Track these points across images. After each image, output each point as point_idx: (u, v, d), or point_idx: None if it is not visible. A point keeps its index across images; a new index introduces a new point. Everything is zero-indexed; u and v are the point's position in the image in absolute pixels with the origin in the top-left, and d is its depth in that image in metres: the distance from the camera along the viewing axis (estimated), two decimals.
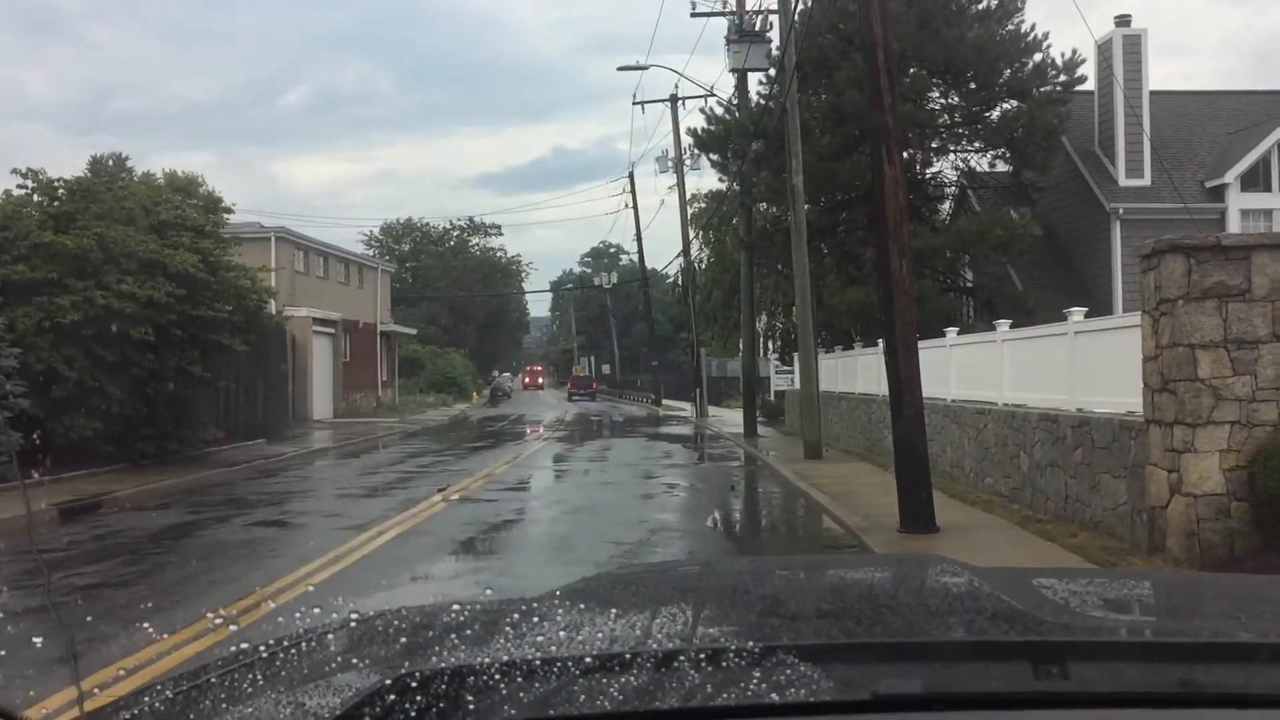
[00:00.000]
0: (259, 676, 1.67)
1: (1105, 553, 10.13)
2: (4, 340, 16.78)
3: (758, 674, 1.37)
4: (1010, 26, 24.28)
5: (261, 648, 1.84)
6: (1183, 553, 9.25)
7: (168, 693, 1.63)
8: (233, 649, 1.82)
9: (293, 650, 1.83)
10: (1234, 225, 24.40)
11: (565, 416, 47.12)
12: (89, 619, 8.06)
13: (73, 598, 9.06)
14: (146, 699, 1.61)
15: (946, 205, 29.26)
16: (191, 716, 1.51)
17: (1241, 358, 9.19)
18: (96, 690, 5.40)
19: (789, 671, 1.38)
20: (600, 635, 1.66)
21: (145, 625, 7.79)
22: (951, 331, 17.96)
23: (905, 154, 20.66)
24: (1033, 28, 24.37)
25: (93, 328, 18.24)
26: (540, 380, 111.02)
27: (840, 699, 1.36)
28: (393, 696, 1.36)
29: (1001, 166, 26.47)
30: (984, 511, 13.35)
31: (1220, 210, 25.05)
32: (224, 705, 1.53)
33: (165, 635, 7.28)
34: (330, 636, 1.95)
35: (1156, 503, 9.71)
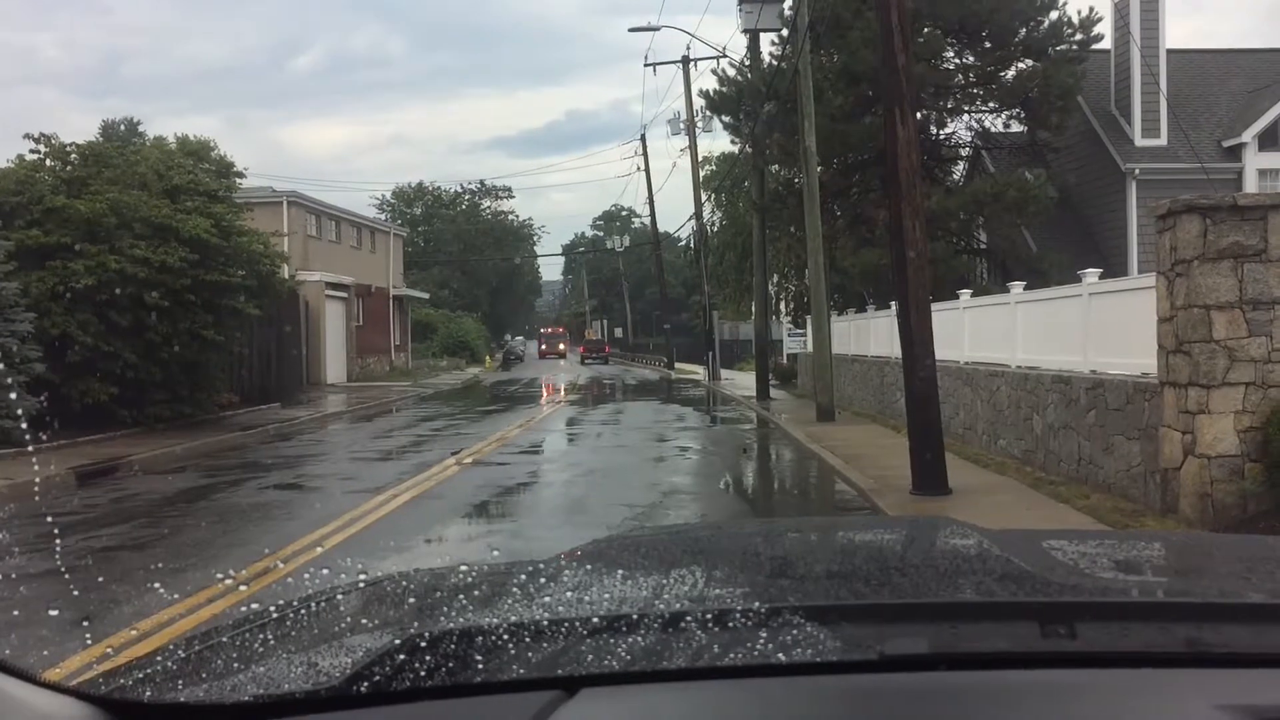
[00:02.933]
0: (270, 637, 1.68)
1: (1118, 514, 10.13)
2: (18, 305, 16.85)
3: (764, 634, 1.38)
4: None
5: (273, 609, 1.85)
6: (1196, 514, 9.24)
7: (181, 652, 1.65)
8: (244, 610, 1.84)
9: (304, 611, 1.84)
10: (1251, 185, 24.16)
11: (578, 380, 47.20)
12: (104, 581, 8.14)
13: (89, 560, 9.14)
14: (160, 658, 1.62)
15: (960, 166, 29.05)
16: (204, 675, 1.52)
17: (1257, 319, 9.13)
18: (111, 651, 5.46)
19: (795, 632, 1.38)
20: (608, 596, 1.67)
21: (160, 587, 7.87)
22: (965, 293, 17.89)
23: (919, 115, 20.46)
24: None
25: (106, 292, 18.31)
26: (561, 346, 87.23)
27: (847, 659, 1.37)
28: (403, 656, 1.37)
29: (1016, 127, 26.19)
30: (997, 474, 13.35)
31: (1237, 170, 24.81)
32: (236, 665, 1.55)
33: (179, 597, 7.35)
34: (341, 598, 1.97)
35: (1170, 464, 9.69)
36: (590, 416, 26.47)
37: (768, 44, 28.70)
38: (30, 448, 15.51)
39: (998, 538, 2.11)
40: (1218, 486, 9.13)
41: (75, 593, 7.74)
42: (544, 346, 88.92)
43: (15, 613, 6.43)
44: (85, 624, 6.53)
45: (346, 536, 10.11)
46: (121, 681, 1.50)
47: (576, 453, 18.52)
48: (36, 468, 14.12)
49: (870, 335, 23.88)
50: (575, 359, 79.99)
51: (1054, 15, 23.94)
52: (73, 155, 20.72)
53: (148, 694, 1.44)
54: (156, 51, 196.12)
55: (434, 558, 9.28)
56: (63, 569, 8.62)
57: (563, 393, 37.40)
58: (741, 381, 36.74)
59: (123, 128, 54.26)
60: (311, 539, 9.91)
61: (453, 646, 1.39)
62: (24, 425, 15.64)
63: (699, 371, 45.32)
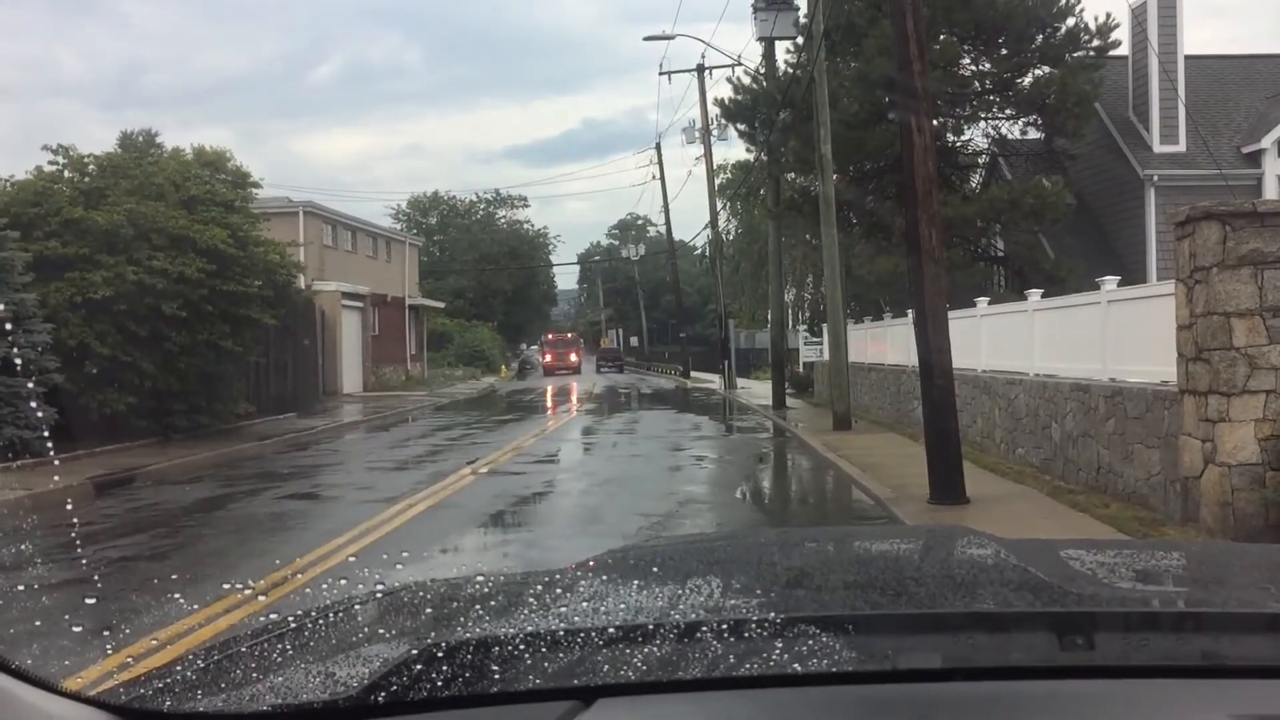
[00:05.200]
0: (289, 647, 1.69)
1: (1138, 523, 10.07)
2: (37, 316, 16.97)
3: (780, 644, 1.37)
4: None
5: (291, 619, 1.86)
6: (1217, 523, 9.18)
7: (200, 662, 1.66)
8: (263, 620, 1.84)
9: (321, 621, 1.85)
10: (1271, 191, 24.01)
11: (594, 389, 47.20)
12: (123, 590, 8.17)
13: (108, 570, 9.18)
14: (179, 668, 1.63)
15: (977, 173, 28.96)
16: (223, 685, 1.53)
17: (1278, 326, 9.07)
18: (131, 660, 5.48)
19: (811, 642, 1.38)
20: (624, 606, 1.67)
21: (179, 597, 7.90)
22: (982, 301, 17.84)
23: (935, 122, 20.42)
24: None
25: (124, 303, 18.42)
26: (573, 357, 69.36)
27: (862, 669, 1.37)
28: (420, 666, 1.37)
29: (1033, 133, 26.10)
30: (1015, 482, 13.29)
31: (1257, 176, 24.65)
32: (255, 675, 1.56)
33: (197, 607, 7.37)
34: (358, 608, 1.98)
35: (1190, 473, 9.63)
36: (606, 425, 26.47)
37: (783, 52, 28.78)
38: (49, 457, 15.60)
39: (1015, 547, 2.10)
40: (1238, 495, 9.07)
41: (94, 602, 7.77)
42: (549, 357, 68.51)
43: (36, 622, 6.46)
44: (105, 633, 6.55)
45: (363, 546, 10.13)
46: (141, 691, 1.51)
47: (592, 462, 18.52)
48: (55, 478, 14.21)
49: (887, 343, 23.84)
50: (590, 369, 74.24)
51: (1071, 22, 23.86)
52: (90, 166, 20.87)
53: (167, 703, 1.45)
54: (176, 63, 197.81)
55: (450, 568, 9.29)
56: (81, 579, 8.65)
57: (579, 401, 37.40)
58: (757, 390, 36.70)
59: (140, 139, 54.53)
60: (328, 549, 9.94)
61: (469, 656, 1.39)
62: (42, 435, 15.74)
63: (714, 380, 45.33)
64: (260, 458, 19.27)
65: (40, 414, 15.63)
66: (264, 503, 13.64)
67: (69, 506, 13.31)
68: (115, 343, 18.43)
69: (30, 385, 15.85)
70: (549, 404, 36.56)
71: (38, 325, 16.82)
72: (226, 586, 8.06)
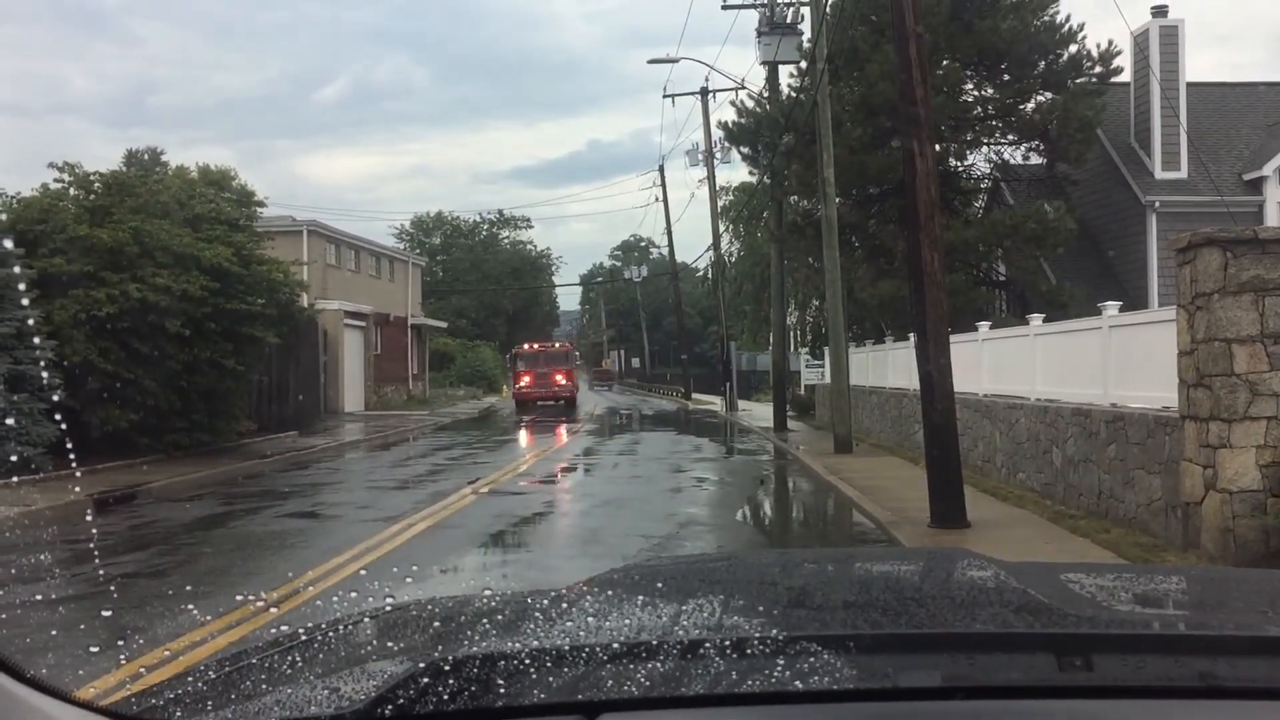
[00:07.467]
0: (298, 659, 1.70)
1: (1139, 549, 10.05)
2: (41, 332, 16.98)
3: (782, 662, 1.39)
4: (1045, 18, 24.02)
5: (301, 632, 1.88)
6: (1217, 549, 9.17)
7: (211, 674, 1.68)
8: (273, 632, 1.86)
9: (330, 635, 1.86)
10: (1272, 219, 24.06)
11: (595, 410, 47.15)
12: (121, 608, 8.16)
13: (106, 587, 9.17)
14: (190, 680, 1.65)
15: (979, 198, 29.03)
16: (233, 697, 1.54)
17: (1279, 353, 9.09)
18: (144, 670, 5.47)
19: (812, 660, 1.40)
20: (628, 623, 1.68)
21: (178, 615, 7.89)
22: (984, 325, 17.85)
23: (937, 147, 20.50)
24: (1067, 19, 24.08)
25: (128, 320, 18.44)
26: (561, 379, 47.53)
27: (863, 687, 1.38)
28: (426, 680, 1.38)
29: (1035, 159, 26.20)
30: (1016, 507, 13.28)
31: (1258, 203, 24.71)
32: (264, 686, 1.57)
33: (197, 624, 7.36)
34: (366, 623, 1.99)
35: (1191, 499, 9.63)
36: (607, 446, 26.45)
37: (786, 76, 28.90)
38: (50, 474, 15.60)
39: (1015, 569, 2.12)
40: (1239, 522, 9.06)
41: (96, 618, 7.76)
42: (526, 379, 47.47)
43: (33, 638, 6.46)
44: (99, 650, 6.55)
45: (361, 566, 10.11)
46: (153, 701, 1.52)
47: (592, 483, 18.50)
48: (56, 495, 14.20)
49: (889, 366, 23.84)
50: (585, 390, 67.39)
51: (1073, 48, 23.98)
52: (96, 184, 20.91)
53: (178, 714, 1.47)
54: (183, 82, 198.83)
55: (449, 588, 9.27)
56: (79, 596, 8.65)
57: (579, 422, 37.36)
58: (759, 412, 36.67)
59: (145, 157, 54.70)
60: (327, 568, 9.93)
61: (475, 671, 1.41)
62: (44, 452, 15.74)
63: (716, 402, 45.26)
64: (261, 476, 19.26)
65: (42, 430, 15.65)
66: (264, 521, 13.63)
67: (70, 523, 13.31)
68: (118, 360, 18.44)
69: (32, 402, 15.86)
70: (550, 424, 36.52)
71: (41, 342, 16.83)
72: (226, 603, 8.06)
